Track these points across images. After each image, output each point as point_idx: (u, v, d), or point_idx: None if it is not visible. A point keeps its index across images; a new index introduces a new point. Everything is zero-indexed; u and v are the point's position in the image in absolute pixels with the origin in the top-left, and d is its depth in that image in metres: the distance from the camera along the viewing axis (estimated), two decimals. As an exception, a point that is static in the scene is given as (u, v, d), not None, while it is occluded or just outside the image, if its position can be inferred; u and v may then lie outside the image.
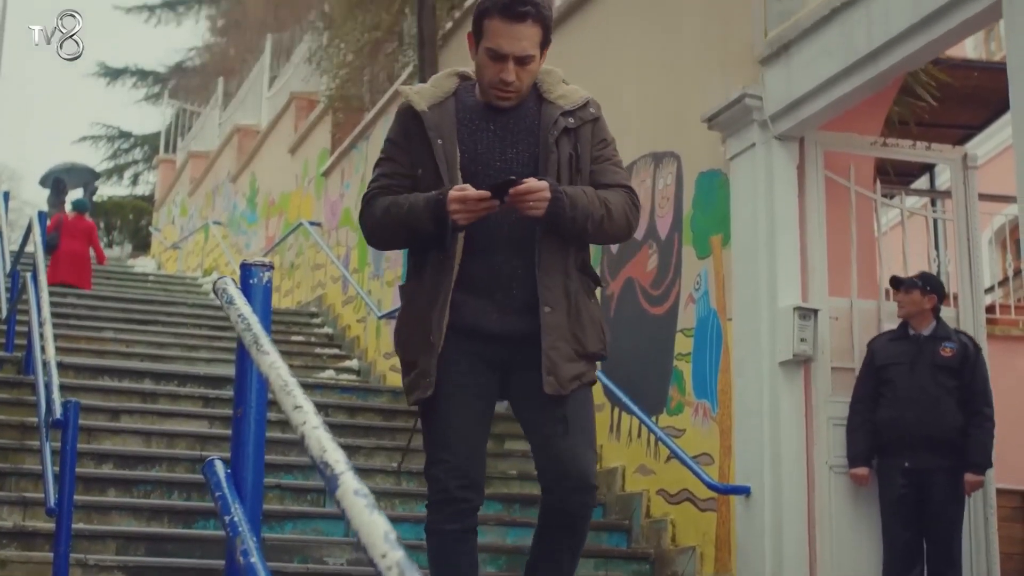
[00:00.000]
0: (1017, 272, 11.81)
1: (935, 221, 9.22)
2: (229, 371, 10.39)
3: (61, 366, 7.63)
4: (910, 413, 6.86)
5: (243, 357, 3.02)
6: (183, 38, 66.66)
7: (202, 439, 8.34)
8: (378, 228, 3.95)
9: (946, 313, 7.52)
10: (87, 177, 25.42)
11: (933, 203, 9.55)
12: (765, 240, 7.29)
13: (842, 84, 6.93)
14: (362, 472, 7.84)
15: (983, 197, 8.44)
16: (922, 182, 11.65)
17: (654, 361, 8.20)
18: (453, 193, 3.69)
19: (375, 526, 1.94)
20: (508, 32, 3.76)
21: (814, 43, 7.07)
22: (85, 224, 15.73)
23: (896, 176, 9.70)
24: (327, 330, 14.19)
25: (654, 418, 7.96)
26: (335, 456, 2.21)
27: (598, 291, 4.16)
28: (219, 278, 3.13)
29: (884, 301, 7.58)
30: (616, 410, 8.48)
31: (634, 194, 3.98)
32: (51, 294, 8.15)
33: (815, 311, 7.14)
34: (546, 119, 3.89)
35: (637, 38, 8.96)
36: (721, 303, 7.66)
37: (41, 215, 9.56)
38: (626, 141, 7.68)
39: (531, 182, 3.67)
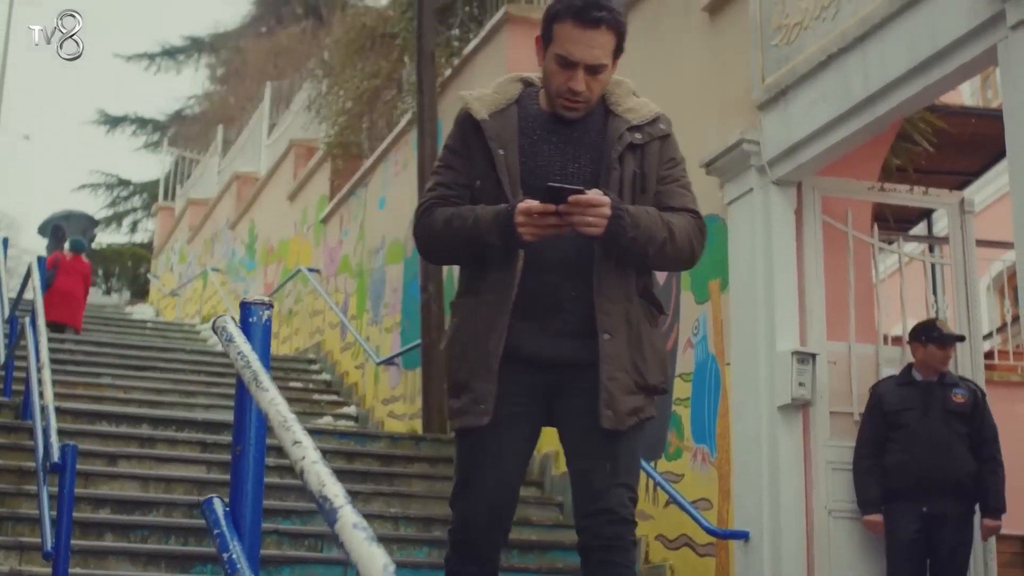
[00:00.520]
0: (1016, 318, 11.82)
1: (933, 267, 9.23)
2: (227, 416, 10.40)
3: (59, 411, 7.60)
4: (926, 458, 6.85)
5: (242, 395, 3.03)
6: (183, 86, 66.92)
7: (200, 484, 8.30)
8: (437, 241, 3.70)
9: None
10: (85, 224, 25.48)
11: (931, 249, 9.57)
12: (763, 284, 7.30)
13: (839, 129, 6.96)
14: (360, 517, 7.83)
15: (981, 243, 8.47)
16: (920, 229, 11.70)
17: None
18: (519, 206, 3.45)
19: (374, 558, 1.94)
20: (580, 38, 3.52)
21: (811, 89, 7.11)
22: (82, 265, 15.77)
23: (895, 223, 9.74)
24: (325, 376, 14.19)
25: (652, 463, 7.94)
26: (334, 490, 2.21)
27: None
28: (219, 316, 3.13)
29: (883, 346, 7.59)
30: (615, 455, 8.45)
31: (701, 220, 3.73)
32: (49, 339, 8.14)
33: (813, 355, 7.15)
34: (611, 133, 3.64)
35: (635, 82, 9.00)
36: (719, 348, 7.66)
37: (40, 260, 9.59)
38: (624, 186, 7.69)
39: (593, 194, 3.40)
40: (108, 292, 28.47)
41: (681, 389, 7.99)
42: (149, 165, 47.06)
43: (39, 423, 6.92)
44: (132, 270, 29.16)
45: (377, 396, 12.78)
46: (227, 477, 8.18)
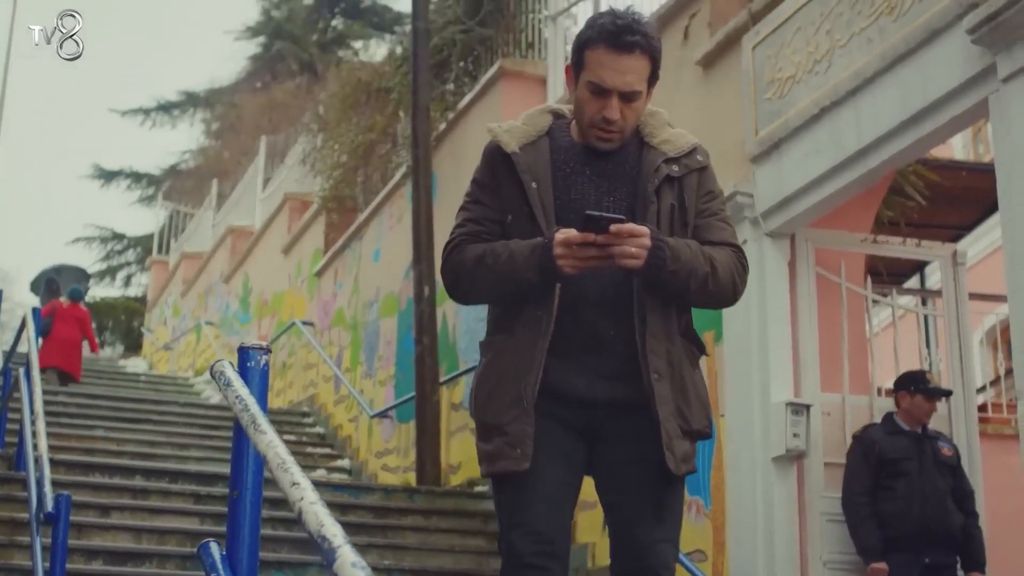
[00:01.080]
0: (1009, 372, 11.84)
1: (926, 320, 9.27)
2: (221, 469, 10.40)
3: (52, 462, 7.57)
4: (927, 509, 6.86)
5: (240, 439, 3.04)
6: (178, 141, 67.23)
7: (193, 536, 8.25)
8: (468, 279, 3.46)
9: (939, 410, 7.55)
10: (78, 276, 25.47)
11: (924, 303, 9.61)
12: (757, 336, 7.32)
13: (832, 181, 7.02)
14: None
15: (974, 296, 8.51)
16: (913, 283, 11.73)
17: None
18: (557, 237, 3.24)
19: (373, 596, 1.94)
20: (613, 64, 3.33)
21: (804, 141, 7.16)
22: (80, 312, 15.87)
23: (888, 276, 9.78)
24: (319, 429, 14.17)
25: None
26: (332, 530, 2.22)
27: None
28: (217, 361, 3.15)
29: (876, 397, 7.61)
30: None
31: (743, 254, 3.52)
32: (43, 392, 8.13)
33: (808, 406, 7.16)
34: (647, 166, 3.44)
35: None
36: (713, 399, 7.67)
37: (35, 311, 9.59)
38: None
39: (632, 225, 3.20)
40: (101, 346, 28.43)
41: (675, 441, 7.97)
42: (143, 219, 47.13)
43: (32, 473, 6.91)
44: (125, 324, 29.15)
45: (371, 449, 12.75)
46: (221, 529, 8.15)
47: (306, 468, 11.88)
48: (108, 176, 32.86)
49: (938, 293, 8.67)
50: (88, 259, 33.39)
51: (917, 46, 6.43)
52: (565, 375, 3.38)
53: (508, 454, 3.32)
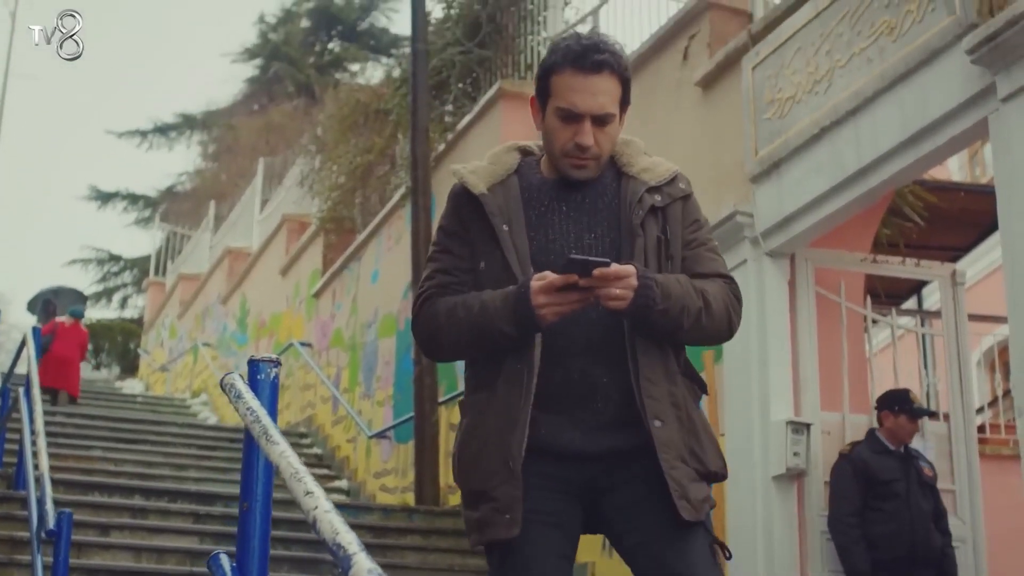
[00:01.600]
0: (1007, 392, 11.86)
1: (924, 340, 9.29)
2: (219, 488, 10.41)
3: (51, 481, 7.60)
4: (916, 531, 6.87)
5: (250, 451, 3.04)
6: (174, 163, 67.27)
7: (192, 555, 8.27)
8: (441, 335, 3.21)
9: (937, 430, 7.58)
10: (75, 298, 25.50)
11: (922, 323, 9.64)
12: (757, 355, 7.34)
13: (832, 201, 7.05)
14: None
15: (972, 318, 8.53)
16: (910, 304, 11.76)
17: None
18: (534, 284, 3.01)
19: (391, 601, 1.96)
20: (583, 86, 3.12)
21: (804, 161, 7.20)
22: (80, 332, 15.93)
23: (886, 298, 9.81)
24: (316, 450, 14.17)
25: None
26: (347, 538, 2.24)
27: None
28: (227, 374, 3.15)
29: (875, 416, 7.62)
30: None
31: (735, 285, 3.30)
32: (30, 417, 8.15)
33: (808, 425, 7.17)
34: (628, 196, 3.21)
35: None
36: (713, 418, 7.69)
37: (36, 330, 9.59)
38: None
39: (617, 267, 2.96)
40: (98, 367, 28.42)
41: (675, 460, 7.98)
42: (140, 241, 47.21)
43: (33, 492, 6.91)
44: (122, 345, 29.13)
45: (369, 470, 12.75)
46: (218, 548, 8.14)
47: (303, 489, 11.96)
48: (105, 198, 32.90)
49: (936, 314, 8.71)
50: (84, 281, 33.40)
51: (917, 66, 6.47)
52: (557, 430, 3.13)
53: (497, 521, 3.08)
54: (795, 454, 7.08)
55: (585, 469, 3.14)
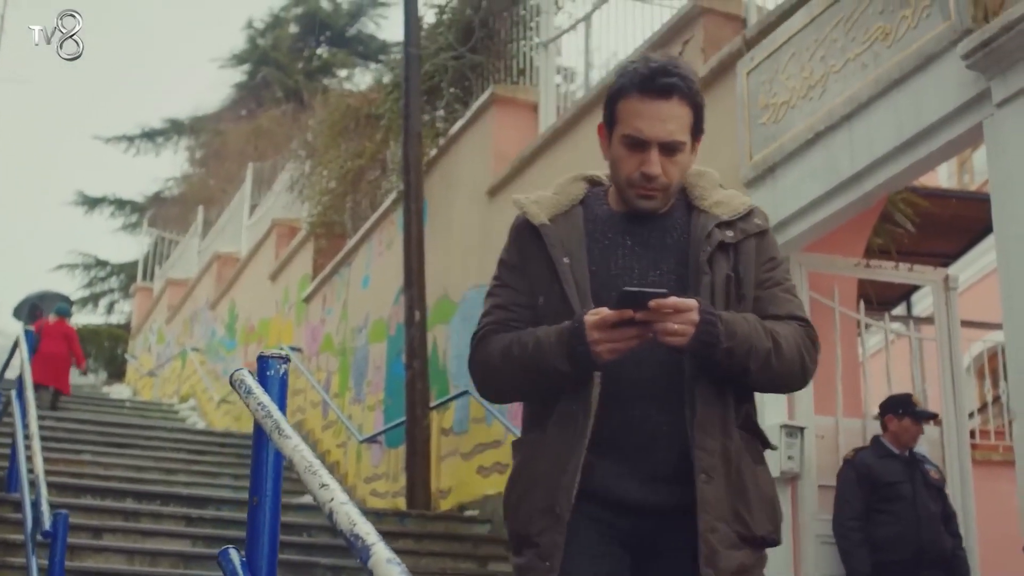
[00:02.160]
0: (996, 399, 11.91)
1: (918, 344, 9.32)
2: (211, 492, 10.41)
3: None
4: (923, 533, 6.89)
5: (260, 446, 3.05)
6: (162, 168, 67.17)
7: (185, 558, 8.27)
8: (496, 374, 3.05)
9: (930, 435, 7.60)
10: (60, 303, 25.49)
11: (910, 328, 9.67)
12: (752, 359, 7.35)
13: (826, 206, 7.08)
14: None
15: (962, 324, 8.56)
16: (899, 310, 11.81)
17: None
18: (589, 318, 2.81)
19: (413, 590, 1.97)
20: (650, 112, 2.93)
21: (798, 166, 7.23)
22: (66, 328, 15.97)
23: (876, 304, 9.85)
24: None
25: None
26: (365, 528, 2.25)
27: None
28: (236, 370, 3.17)
29: (870, 420, 7.65)
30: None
31: (812, 329, 3.04)
32: (23, 419, 8.14)
33: (802, 429, 7.20)
34: (697, 231, 2.99)
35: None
36: (708, 422, 7.70)
37: (28, 333, 9.59)
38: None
39: (676, 300, 2.76)
40: (85, 372, 28.34)
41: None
42: (127, 246, 47.09)
43: (27, 494, 6.91)
44: (109, 350, 29.06)
45: (359, 474, 12.75)
46: (213, 551, 8.14)
47: (293, 493, 11.94)
48: (92, 203, 32.83)
49: (926, 320, 8.73)
50: (71, 286, 33.35)
51: (912, 71, 6.50)
52: (614, 479, 2.92)
53: (536, 567, 2.92)
54: (789, 458, 7.10)
55: (635, 524, 2.93)
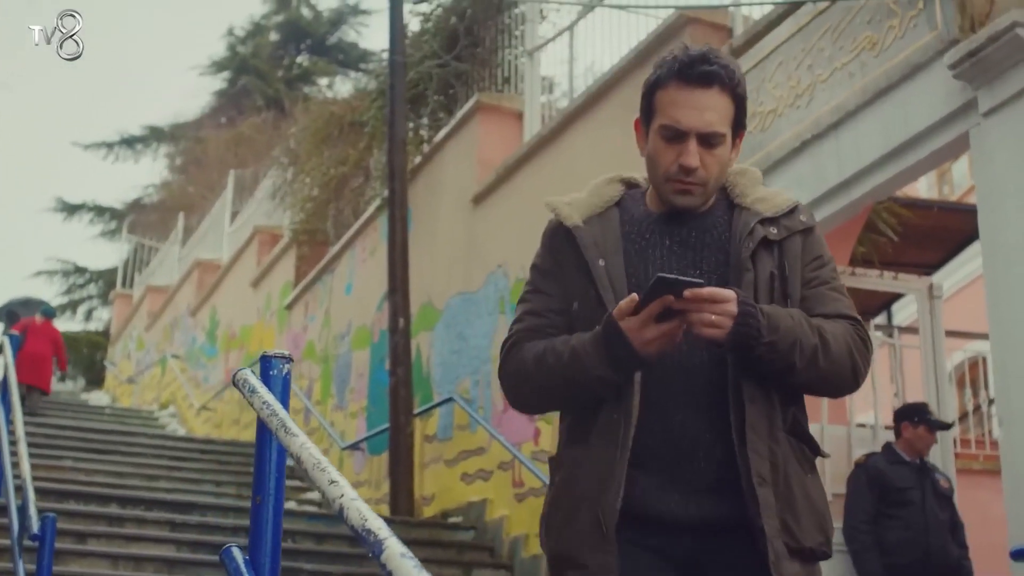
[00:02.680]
0: (976, 408, 11.99)
1: (896, 352, 9.38)
2: (194, 498, 10.39)
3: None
4: (931, 539, 6.93)
5: (263, 445, 3.08)
6: (141, 175, 67.03)
7: (169, 563, 8.26)
8: (530, 383, 2.87)
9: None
10: (47, 305, 25.43)
11: (893, 336, 9.75)
12: (738, 366, 7.39)
13: (813, 214, 7.10)
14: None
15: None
16: (880, 319, 11.88)
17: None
18: (626, 321, 2.65)
19: (429, 583, 1.99)
20: (688, 100, 2.77)
21: (785, 174, 7.27)
22: (52, 330, 16.05)
23: (860, 314, 9.91)
24: (288, 462, 14.11)
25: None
26: (376, 524, 2.26)
27: None
28: (239, 370, 3.19)
29: (854, 427, 7.70)
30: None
31: (863, 328, 2.86)
32: (8, 422, 8.11)
33: (787, 436, 7.21)
34: (739, 228, 2.83)
35: (611, 169, 9.15)
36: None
37: (12, 337, 9.55)
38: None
39: (713, 289, 2.62)
40: (63, 379, 28.23)
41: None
42: (106, 253, 47.03)
43: (12, 498, 6.89)
44: (87, 357, 28.97)
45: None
46: (198, 557, 8.11)
47: (277, 500, 11.96)
48: (71, 210, 32.69)
49: (907, 329, 8.78)
50: (50, 292, 33.14)
51: (899, 81, 6.57)
52: (655, 493, 2.74)
53: None
54: (775, 464, 7.12)
55: (684, 542, 2.74)
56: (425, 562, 9.13)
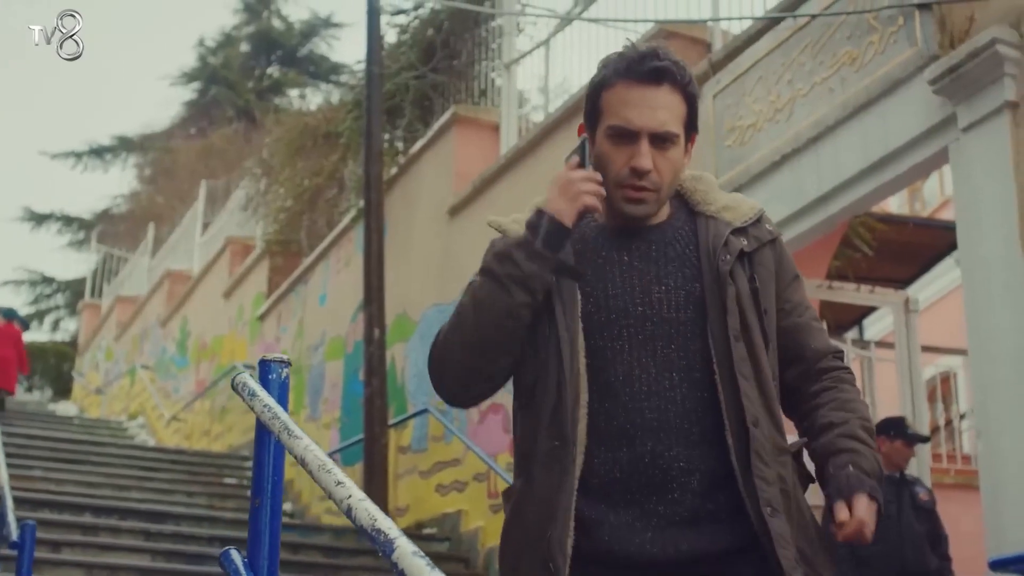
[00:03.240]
0: (948, 423, 12.08)
1: (868, 365, 9.46)
2: (168, 508, 10.36)
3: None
4: (906, 551, 6.97)
5: (261, 447, 3.09)
6: (110, 185, 66.66)
7: (144, 572, 8.24)
8: (447, 351, 2.64)
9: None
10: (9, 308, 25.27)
11: (868, 349, 9.83)
12: (716, 378, 7.43)
13: (792, 227, 7.17)
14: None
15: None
16: (852, 334, 11.96)
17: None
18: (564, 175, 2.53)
19: (442, 582, 2.00)
20: (638, 99, 2.54)
21: (765, 187, 7.32)
22: (13, 331, 15.99)
23: (833, 329, 9.99)
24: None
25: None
26: (386, 523, 2.27)
27: None
28: (237, 374, 3.20)
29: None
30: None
31: (842, 356, 2.74)
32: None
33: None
34: (710, 239, 2.60)
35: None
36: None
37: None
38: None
39: (859, 513, 2.46)
40: (30, 389, 28.08)
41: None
42: (74, 263, 46.71)
43: (-11, 506, 6.87)
44: (55, 368, 28.81)
45: (314, 492, 12.70)
46: (172, 566, 8.07)
47: (246, 512, 11.92)
48: (38, 219, 32.52)
49: (879, 344, 8.85)
50: (16, 302, 32.94)
51: (878, 96, 6.63)
52: (625, 533, 2.48)
53: None
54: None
55: None
56: (402, 572, 9.06)
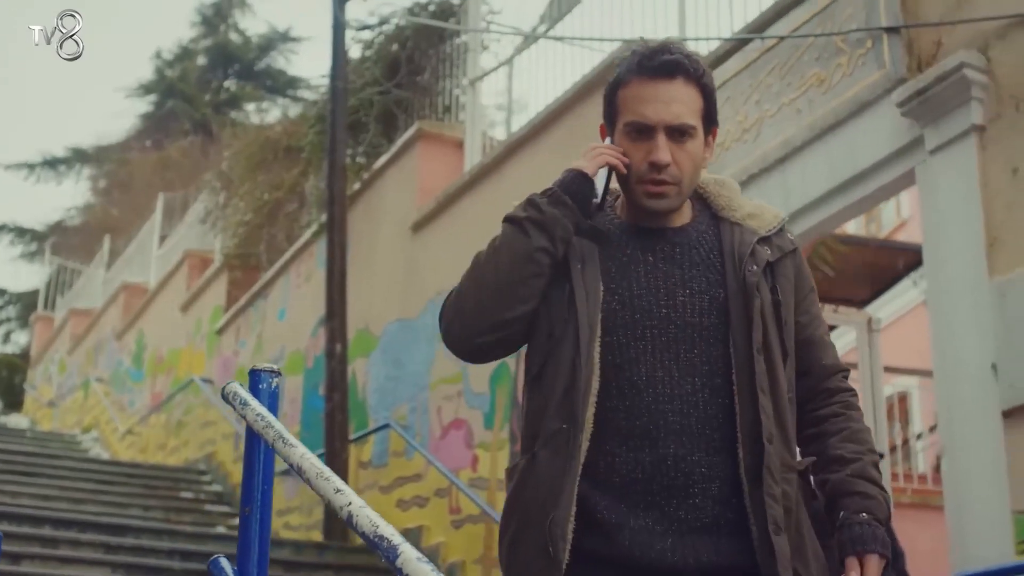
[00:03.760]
0: (905, 441, 12.20)
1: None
2: (126, 521, 10.30)
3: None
4: None
5: (251, 456, 3.11)
6: (64, 197, 66.15)
7: (105, 586, 8.20)
8: (462, 294, 2.64)
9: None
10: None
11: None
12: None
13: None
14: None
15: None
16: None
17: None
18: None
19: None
20: (652, 93, 2.58)
21: (732, 207, 7.38)
22: None
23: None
24: (217, 487, 14.02)
25: None
26: (389, 530, 2.30)
27: None
28: (228, 383, 3.21)
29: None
30: None
31: (852, 388, 2.74)
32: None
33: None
34: (736, 247, 2.61)
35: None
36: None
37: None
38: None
39: (869, 575, 2.50)
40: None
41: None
42: (26, 275, 46.33)
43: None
44: (6, 380, 28.53)
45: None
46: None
47: (205, 525, 11.86)
48: (-10, 231, 32.28)
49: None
50: (-34, 314, 32.68)
51: (846, 118, 6.71)
52: (646, 538, 2.46)
53: None
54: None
55: None
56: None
